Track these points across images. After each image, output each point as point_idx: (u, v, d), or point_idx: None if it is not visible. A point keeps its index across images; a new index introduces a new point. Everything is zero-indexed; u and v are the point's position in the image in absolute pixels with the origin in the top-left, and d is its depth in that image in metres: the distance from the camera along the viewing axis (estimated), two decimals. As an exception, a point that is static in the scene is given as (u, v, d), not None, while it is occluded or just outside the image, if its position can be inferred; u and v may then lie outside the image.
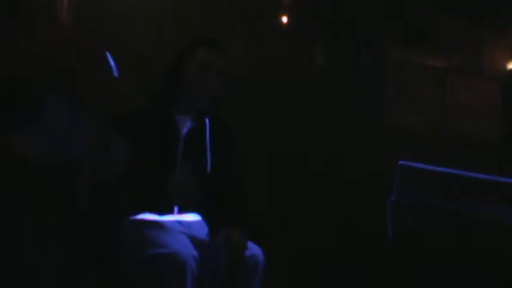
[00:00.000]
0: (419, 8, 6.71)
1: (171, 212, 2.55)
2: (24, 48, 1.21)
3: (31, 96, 1.19)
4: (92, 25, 5.08)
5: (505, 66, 7.55)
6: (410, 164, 5.07)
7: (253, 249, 2.46)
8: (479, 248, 4.52)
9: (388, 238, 4.71)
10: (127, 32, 5.25)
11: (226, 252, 2.39)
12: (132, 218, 2.49)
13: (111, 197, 1.28)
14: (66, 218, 1.19)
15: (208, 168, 2.58)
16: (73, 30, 1.26)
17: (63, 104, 1.20)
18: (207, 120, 2.62)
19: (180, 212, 2.57)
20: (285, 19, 6.08)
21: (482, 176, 5.05)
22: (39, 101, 1.19)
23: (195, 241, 2.42)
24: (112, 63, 1.27)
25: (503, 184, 5.19)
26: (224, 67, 2.58)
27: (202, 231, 2.55)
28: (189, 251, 2.29)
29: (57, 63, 1.21)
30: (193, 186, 2.46)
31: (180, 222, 2.55)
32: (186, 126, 2.58)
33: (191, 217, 2.60)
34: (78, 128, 1.23)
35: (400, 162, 4.99)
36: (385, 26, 6.54)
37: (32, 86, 1.19)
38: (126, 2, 5.35)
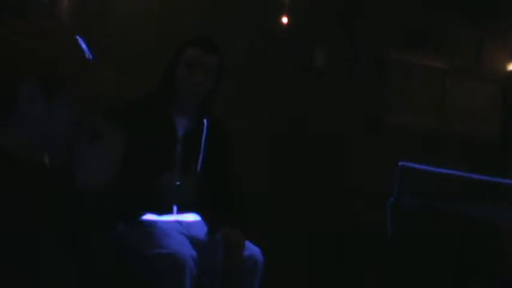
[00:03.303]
0: (419, 8, 6.71)
1: (170, 212, 2.55)
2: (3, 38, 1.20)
3: (6, 86, 1.18)
4: (92, 25, 5.08)
5: (505, 66, 7.55)
6: (410, 164, 5.06)
7: (252, 249, 2.45)
8: (479, 248, 4.52)
9: (388, 238, 4.71)
10: (127, 32, 5.25)
11: (225, 252, 2.39)
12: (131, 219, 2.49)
13: (104, 196, 1.26)
14: (58, 214, 1.18)
15: (205, 168, 2.58)
16: (47, 19, 1.25)
17: (38, 92, 1.19)
18: (205, 120, 2.61)
19: (180, 212, 2.57)
20: (285, 19, 6.08)
21: (482, 177, 5.05)
22: (14, 91, 1.18)
23: (194, 241, 2.42)
24: (84, 46, 1.26)
25: (503, 185, 5.19)
26: (213, 66, 2.55)
27: (202, 232, 2.55)
28: (188, 251, 2.29)
29: (29, 51, 1.20)
30: (193, 187, 2.46)
31: (179, 222, 2.55)
32: (184, 127, 2.58)
33: (190, 217, 2.60)
34: (55, 116, 1.22)
35: (399, 163, 4.99)
36: (385, 26, 6.54)
37: (6, 76, 1.18)
38: (126, 2, 5.35)
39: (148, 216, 2.50)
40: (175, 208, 2.55)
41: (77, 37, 1.25)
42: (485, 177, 5.04)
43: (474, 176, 5.03)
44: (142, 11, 5.37)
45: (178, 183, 2.43)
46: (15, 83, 1.18)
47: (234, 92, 4.89)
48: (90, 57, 1.26)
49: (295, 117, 5.81)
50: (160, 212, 2.51)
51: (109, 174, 1.25)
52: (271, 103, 5.77)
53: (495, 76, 7.49)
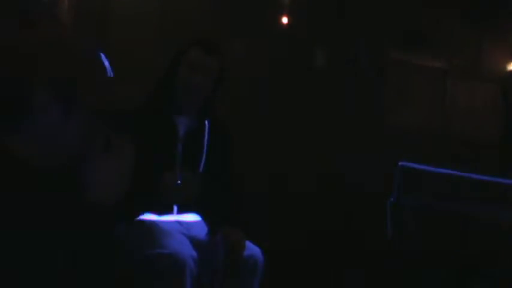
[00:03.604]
0: (418, 8, 6.70)
1: (170, 212, 2.55)
2: (15, 45, 1.20)
3: (20, 94, 1.18)
4: (92, 26, 5.08)
5: (505, 66, 7.55)
6: (410, 164, 5.06)
7: (252, 249, 2.46)
8: (479, 248, 4.52)
9: (388, 238, 4.71)
10: (127, 33, 5.25)
11: (225, 252, 2.39)
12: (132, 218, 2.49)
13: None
14: (66, 217, 1.19)
15: (206, 168, 2.58)
16: (67, 29, 1.25)
17: (53, 101, 1.19)
18: (206, 121, 2.62)
19: (180, 212, 2.57)
20: (285, 19, 6.09)
21: (482, 177, 5.05)
22: (29, 98, 1.18)
23: (194, 241, 2.42)
24: (107, 63, 1.26)
25: (503, 185, 5.18)
26: (215, 68, 2.56)
27: (202, 232, 2.55)
28: (188, 251, 2.29)
29: (47, 60, 1.20)
30: (195, 186, 2.46)
31: (179, 222, 2.55)
32: (185, 126, 2.58)
33: (191, 217, 2.60)
34: (71, 125, 1.22)
35: (400, 163, 4.98)
36: (385, 26, 6.53)
37: (20, 83, 1.18)
38: (126, 3, 5.35)
39: (149, 216, 2.50)
40: (175, 208, 2.55)
41: (101, 54, 1.25)
42: (485, 177, 5.03)
43: (474, 176, 5.03)
44: (142, 11, 5.38)
45: (179, 182, 2.44)
46: (23, 88, 1.18)
47: (234, 92, 4.89)
48: (111, 75, 1.26)
49: (295, 117, 5.82)
50: (160, 212, 2.51)
51: (120, 189, 1.25)
52: (271, 103, 5.77)
53: (495, 76, 7.49)
